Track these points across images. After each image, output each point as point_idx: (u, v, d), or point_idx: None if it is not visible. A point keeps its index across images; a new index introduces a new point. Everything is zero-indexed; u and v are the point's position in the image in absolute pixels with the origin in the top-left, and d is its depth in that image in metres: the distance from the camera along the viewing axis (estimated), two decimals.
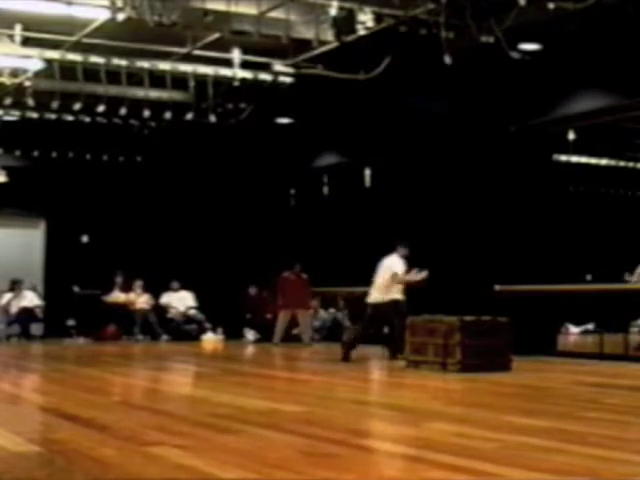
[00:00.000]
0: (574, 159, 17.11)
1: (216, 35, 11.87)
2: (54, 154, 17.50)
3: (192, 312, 17.27)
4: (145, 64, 13.02)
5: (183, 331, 17.01)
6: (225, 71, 13.19)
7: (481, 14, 10.30)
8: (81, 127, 16.05)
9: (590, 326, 16.51)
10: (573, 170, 17.35)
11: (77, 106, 14.00)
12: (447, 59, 10.81)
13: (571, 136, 14.81)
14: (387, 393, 9.02)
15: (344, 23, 10.86)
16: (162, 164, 18.05)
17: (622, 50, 11.21)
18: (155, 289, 17.21)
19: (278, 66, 13.18)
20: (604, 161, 18.61)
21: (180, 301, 17.37)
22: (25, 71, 13.03)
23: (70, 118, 15.17)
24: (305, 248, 16.94)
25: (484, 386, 8.65)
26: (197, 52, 12.74)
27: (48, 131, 16.37)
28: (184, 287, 17.38)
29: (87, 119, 15.39)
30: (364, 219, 16.56)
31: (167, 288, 17.34)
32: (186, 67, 13.23)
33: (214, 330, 17.05)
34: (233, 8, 10.81)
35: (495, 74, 12.53)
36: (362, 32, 10.95)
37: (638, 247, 16.02)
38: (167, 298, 17.37)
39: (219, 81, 13.63)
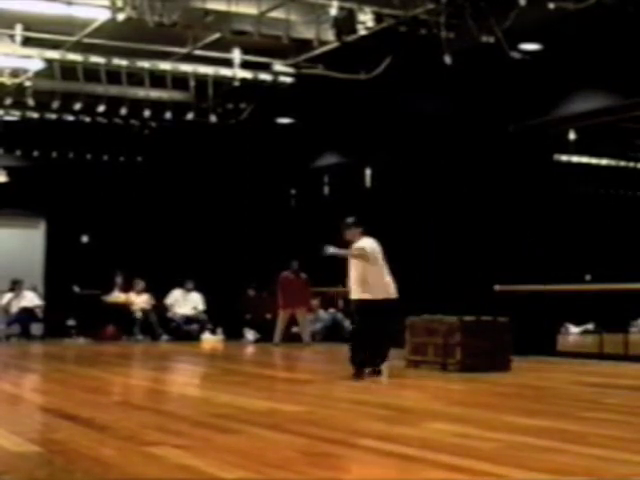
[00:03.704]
0: (574, 159, 17.09)
1: (216, 35, 11.88)
2: (54, 154, 17.50)
3: (197, 313, 17.23)
4: (145, 64, 13.03)
5: (183, 331, 17.01)
6: (225, 71, 13.20)
7: (481, 14, 10.31)
8: (81, 127, 16.06)
9: (590, 326, 16.51)
10: (573, 170, 17.33)
11: (77, 106, 14.03)
12: (447, 59, 10.82)
13: (571, 136, 14.80)
14: (387, 393, 9.01)
15: (344, 23, 10.87)
16: (162, 164, 18.05)
17: (622, 50, 11.20)
18: (155, 289, 17.20)
19: (278, 66, 13.19)
20: (604, 161, 18.58)
21: (188, 302, 17.35)
22: (25, 71, 13.05)
23: (70, 118, 15.18)
24: (305, 248, 16.92)
25: (484, 386, 8.65)
26: (197, 52, 12.74)
27: (48, 131, 16.38)
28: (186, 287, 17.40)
29: (87, 119, 15.41)
30: (364, 219, 16.52)
31: (168, 288, 17.29)
32: (186, 67, 13.23)
33: (213, 331, 17.05)
34: (233, 8, 10.83)
35: (495, 74, 12.53)
36: (362, 32, 10.96)
37: (638, 247, 16.03)
38: (174, 297, 17.34)
39: (219, 81, 13.63)
